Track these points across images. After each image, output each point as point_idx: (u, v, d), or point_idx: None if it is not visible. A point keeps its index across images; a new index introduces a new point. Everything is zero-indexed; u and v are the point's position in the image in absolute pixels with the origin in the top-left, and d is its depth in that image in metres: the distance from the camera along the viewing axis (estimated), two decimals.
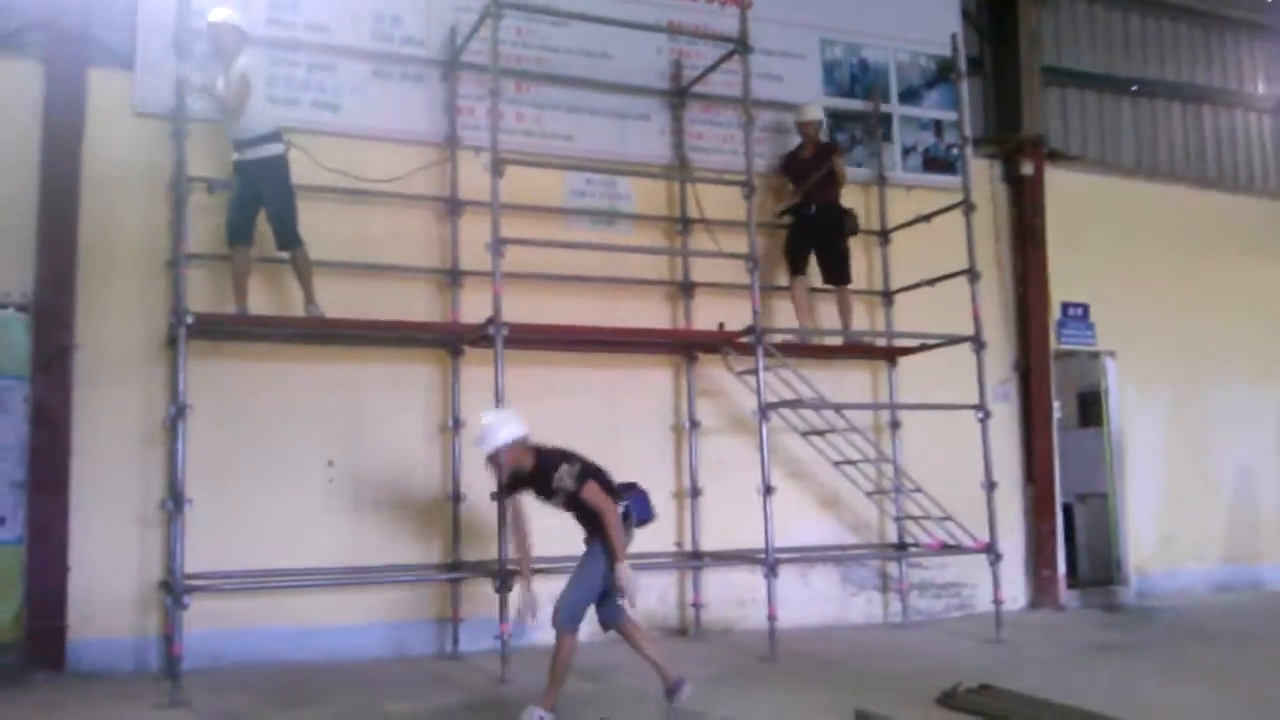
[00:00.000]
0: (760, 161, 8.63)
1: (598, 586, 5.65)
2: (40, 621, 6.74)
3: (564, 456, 5.70)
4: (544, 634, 7.77)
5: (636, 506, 5.82)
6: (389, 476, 7.74)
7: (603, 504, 5.56)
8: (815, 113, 8.86)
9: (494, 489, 6.44)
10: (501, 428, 5.67)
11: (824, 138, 8.95)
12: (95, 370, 7.07)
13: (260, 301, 7.34)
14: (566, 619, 5.61)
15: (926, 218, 9.04)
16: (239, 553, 7.15)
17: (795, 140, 9.00)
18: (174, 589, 6.35)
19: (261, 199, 7.03)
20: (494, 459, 5.74)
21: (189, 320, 6.59)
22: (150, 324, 7.23)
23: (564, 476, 5.59)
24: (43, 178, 7.07)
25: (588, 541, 5.75)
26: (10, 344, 7.10)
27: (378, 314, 7.46)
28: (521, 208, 7.88)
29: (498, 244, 6.98)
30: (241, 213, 7.01)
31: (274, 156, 7.01)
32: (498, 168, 7.04)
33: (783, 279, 8.89)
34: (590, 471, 5.65)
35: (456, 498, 7.77)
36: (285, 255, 7.20)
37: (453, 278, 7.99)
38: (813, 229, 8.69)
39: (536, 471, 5.70)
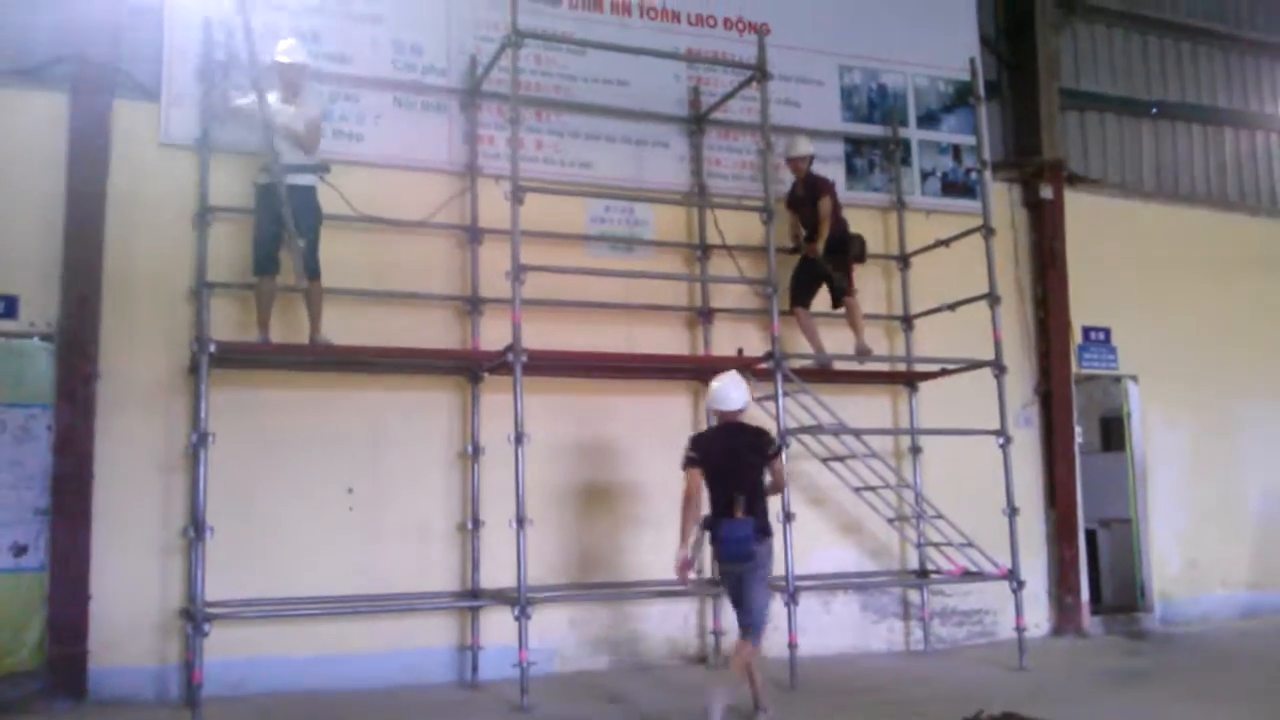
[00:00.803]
0: (779, 188, 8.64)
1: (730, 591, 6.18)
2: (62, 648, 6.75)
3: (695, 437, 6.42)
4: (565, 661, 7.85)
5: (725, 534, 5.98)
6: (409, 503, 7.75)
7: (684, 490, 6.14)
8: (804, 148, 8.69)
9: None
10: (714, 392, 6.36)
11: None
12: (118, 398, 7.13)
13: (278, 329, 7.37)
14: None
15: (946, 242, 9.02)
16: (260, 580, 7.18)
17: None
18: (195, 616, 6.39)
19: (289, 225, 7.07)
20: None
21: (211, 348, 6.64)
22: (173, 352, 7.28)
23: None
24: (68, 208, 7.15)
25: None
26: (35, 372, 7.17)
27: (398, 341, 7.51)
28: (541, 235, 7.91)
29: (518, 271, 7.01)
30: (271, 241, 7.05)
31: (312, 186, 7.09)
32: (518, 195, 7.08)
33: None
34: (695, 462, 6.13)
35: (476, 524, 7.77)
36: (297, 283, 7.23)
37: (473, 305, 8.02)
38: (819, 266, 8.61)
39: None
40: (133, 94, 7.45)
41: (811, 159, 8.75)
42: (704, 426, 8.63)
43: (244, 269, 7.34)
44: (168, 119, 7.46)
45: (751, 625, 6.01)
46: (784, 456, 6.39)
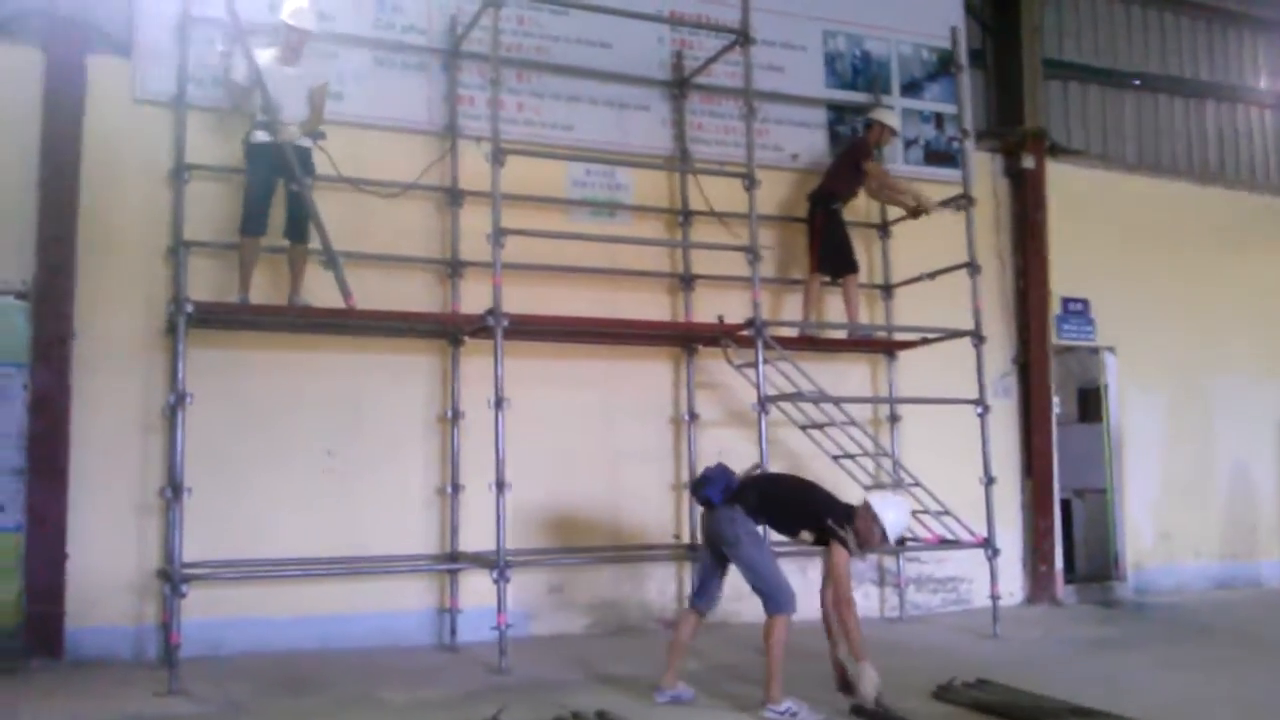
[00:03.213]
0: (762, 153, 8.57)
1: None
2: (39, 608, 6.73)
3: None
4: (543, 624, 7.89)
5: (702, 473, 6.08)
6: (388, 466, 7.74)
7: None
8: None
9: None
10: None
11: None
12: (95, 358, 7.07)
13: (259, 290, 7.30)
14: (790, 599, 5.65)
15: (929, 207, 9.01)
16: (238, 541, 7.17)
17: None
18: (172, 577, 6.37)
19: (283, 185, 7.01)
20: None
21: (189, 308, 6.58)
22: (150, 312, 7.22)
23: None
24: (42, 165, 7.05)
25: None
26: (10, 331, 7.09)
27: (378, 304, 7.44)
28: (522, 198, 7.86)
29: (498, 234, 6.97)
30: (265, 201, 6.97)
31: (309, 149, 7.07)
32: (498, 157, 7.03)
33: (791, 271, 8.94)
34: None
35: (455, 488, 7.77)
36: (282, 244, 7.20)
37: (453, 268, 7.98)
38: (839, 225, 8.77)
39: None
40: (107, 49, 7.33)
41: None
42: (684, 393, 8.67)
43: (222, 228, 7.28)
44: (143, 74, 7.34)
45: (760, 595, 5.73)
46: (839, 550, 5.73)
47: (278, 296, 7.33)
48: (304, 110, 7.07)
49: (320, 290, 7.25)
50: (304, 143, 7.04)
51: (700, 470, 6.29)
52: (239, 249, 7.08)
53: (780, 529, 6.06)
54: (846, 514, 5.77)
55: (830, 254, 8.69)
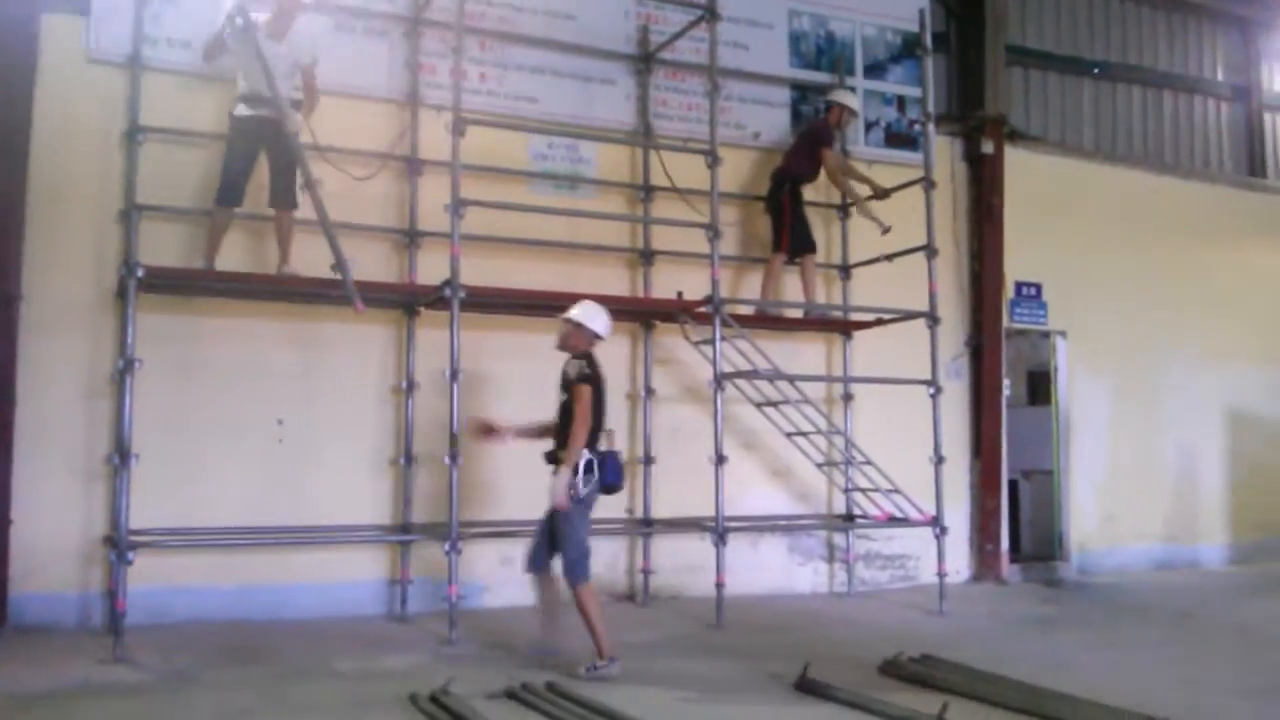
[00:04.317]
0: (725, 130, 8.59)
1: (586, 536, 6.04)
2: None
3: (590, 357, 6.14)
4: (495, 596, 7.90)
5: (610, 468, 6.08)
6: (340, 436, 7.70)
7: (587, 406, 5.93)
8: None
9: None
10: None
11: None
12: (43, 321, 6.95)
13: (226, 258, 7.20)
14: (582, 573, 5.94)
15: (886, 193, 9.07)
16: (187, 509, 7.11)
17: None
18: (118, 544, 6.30)
19: (265, 157, 6.94)
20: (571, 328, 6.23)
21: (139, 272, 6.49)
22: (101, 276, 7.11)
23: (572, 365, 6.09)
24: None
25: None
26: None
27: (333, 272, 7.38)
28: (482, 169, 7.82)
29: (457, 205, 6.93)
30: (243, 173, 6.90)
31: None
32: (459, 128, 6.97)
33: (751, 250, 9.03)
34: (592, 381, 6.02)
35: (408, 459, 7.75)
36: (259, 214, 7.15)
37: (410, 238, 7.93)
38: (801, 205, 8.87)
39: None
40: (62, 6, 7.18)
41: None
42: (642, 369, 8.69)
43: (178, 192, 7.20)
44: (98, 34, 7.20)
45: (578, 561, 6.01)
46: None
47: (238, 264, 7.23)
48: (287, 88, 6.89)
49: (295, 261, 7.16)
50: (296, 114, 6.89)
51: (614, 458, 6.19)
52: (210, 218, 6.99)
53: None
54: (577, 369, 6.07)
55: (796, 235, 8.75)
